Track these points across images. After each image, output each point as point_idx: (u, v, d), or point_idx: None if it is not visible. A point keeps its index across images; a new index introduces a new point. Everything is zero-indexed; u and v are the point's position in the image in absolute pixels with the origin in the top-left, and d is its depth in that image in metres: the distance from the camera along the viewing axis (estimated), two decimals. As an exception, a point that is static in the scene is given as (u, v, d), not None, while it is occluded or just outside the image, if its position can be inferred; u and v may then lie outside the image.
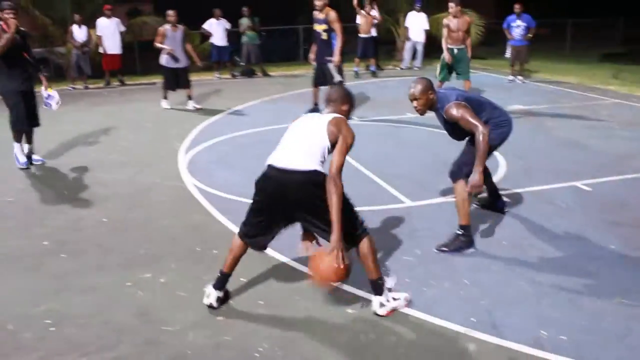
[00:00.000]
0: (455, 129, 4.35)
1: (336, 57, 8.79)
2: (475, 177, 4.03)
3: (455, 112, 4.14)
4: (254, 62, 14.76)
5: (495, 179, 5.89)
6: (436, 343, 3.21)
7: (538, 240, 4.53)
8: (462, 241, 4.35)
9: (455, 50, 9.48)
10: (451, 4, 9.45)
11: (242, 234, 3.66)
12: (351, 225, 3.37)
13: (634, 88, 12.02)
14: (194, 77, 14.75)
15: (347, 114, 3.66)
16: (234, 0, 15.03)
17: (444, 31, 9.53)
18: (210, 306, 3.60)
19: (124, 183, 6.14)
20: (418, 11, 14.72)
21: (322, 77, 9.08)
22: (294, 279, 3.98)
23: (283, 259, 4.27)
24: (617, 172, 6.22)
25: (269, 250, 4.36)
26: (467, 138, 4.51)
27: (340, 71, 8.94)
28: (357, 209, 3.52)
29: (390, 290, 3.52)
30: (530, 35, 12.47)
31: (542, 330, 3.28)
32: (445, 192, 5.50)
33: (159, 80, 14.43)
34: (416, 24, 14.78)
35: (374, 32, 14.34)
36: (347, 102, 3.67)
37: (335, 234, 3.20)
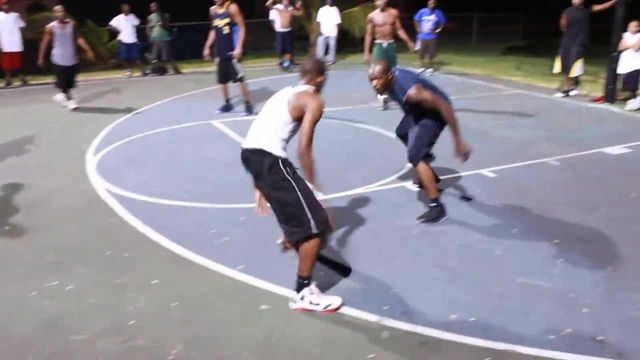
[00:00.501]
0: (415, 109, 4.74)
1: (238, 50, 8.77)
2: (461, 145, 4.69)
3: (418, 95, 4.54)
4: (165, 59, 14.42)
5: (404, 170, 6.08)
6: (350, 333, 3.27)
7: (446, 227, 4.70)
8: (437, 211, 4.84)
9: (385, 44, 9.19)
10: None
11: None
12: (296, 221, 3.33)
13: (535, 79, 12.67)
14: (104, 76, 14.34)
15: (321, 85, 3.70)
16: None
17: (368, 27, 9.24)
18: None
19: (28, 188, 5.83)
20: (330, 6, 14.86)
21: (226, 73, 9.04)
22: (207, 279, 3.93)
23: (195, 258, 4.20)
24: (519, 158, 6.55)
25: (180, 251, 4.31)
26: (417, 120, 4.84)
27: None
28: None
29: (312, 293, 3.49)
30: (438, 29, 12.93)
31: (452, 314, 3.41)
32: (354, 185, 5.61)
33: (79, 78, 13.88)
34: (328, 18, 14.91)
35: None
36: (321, 74, 3.67)
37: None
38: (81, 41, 9.83)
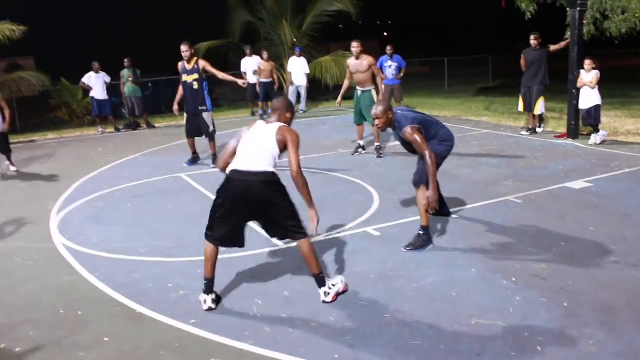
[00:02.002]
0: (410, 147, 5.15)
1: (243, 80, 9.24)
2: (430, 193, 4.82)
3: (410, 135, 4.93)
4: (138, 114, 14.51)
5: (369, 213, 6.10)
6: (300, 384, 3.21)
7: (404, 271, 4.68)
8: (424, 239, 5.10)
9: (359, 92, 9.16)
10: (353, 44, 9.02)
11: (211, 239, 4.16)
12: (296, 223, 4.14)
13: (503, 118, 12.91)
14: (77, 133, 14.38)
15: (290, 121, 4.32)
16: (114, 53, 14.82)
17: (347, 72, 9.28)
18: (210, 309, 4.09)
19: (-14, 249, 5.76)
20: (298, 56, 15.17)
21: (196, 128, 9.04)
22: (160, 334, 3.86)
23: (149, 313, 4.14)
24: (482, 198, 6.61)
25: (135, 307, 4.25)
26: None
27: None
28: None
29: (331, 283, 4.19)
30: (401, 74, 13.28)
31: None
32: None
33: (38, 138, 13.92)
34: (298, 68, 15.21)
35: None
36: (290, 111, 4.34)
37: (311, 210, 4.10)
38: (3, 104, 9.47)
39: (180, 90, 9.02)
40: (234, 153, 4.20)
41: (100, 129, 14.13)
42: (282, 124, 4.18)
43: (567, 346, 3.46)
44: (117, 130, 14.24)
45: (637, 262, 4.65)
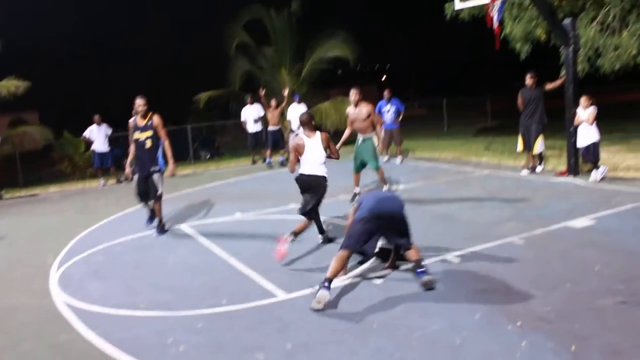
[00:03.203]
0: None
1: (172, 166, 8.24)
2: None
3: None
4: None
5: (370, 262, 6.04)
6: None
7: (407, 318, 4.60)
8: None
9: (360, 140, 9.12)
10: (351, 92, 8.98)
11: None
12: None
13: (503, 158, 12.92)
14: (80, 185, 14.45)
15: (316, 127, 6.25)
16: (116, 105, 15.03)
17: (348, 121, 9.19)
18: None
19: (-15, 308, 5.70)
20: (298, 103, 15.31)
21: (146, 191, 8.11)
22: None
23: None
24: (484, 240, 6.54)
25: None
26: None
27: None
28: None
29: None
30: (400, 118, 13.40)
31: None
32: (316, 282, 5.52)
33: (40, 191, 13.98)
34: (297, 115, 15.28)
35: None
36: (313, 119, 6.61)
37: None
38: None
39: (132, 149, 8.10)
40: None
41: (102, 181, 14.20)
42: (318, 132, 6.51)
43: (577, 393, 3.37)
44: (119, 181, 14.30)
45: (644, 302, 4.57)
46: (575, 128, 9.64)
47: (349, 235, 5.30)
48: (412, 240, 5.40)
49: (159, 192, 8.07)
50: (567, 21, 9.94)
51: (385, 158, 13.58)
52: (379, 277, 5.56)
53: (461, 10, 11.82)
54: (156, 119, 7.96)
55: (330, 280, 4.96)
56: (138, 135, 7.95)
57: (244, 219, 8.80)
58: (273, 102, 15.25)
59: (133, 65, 38.75)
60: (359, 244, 5.23)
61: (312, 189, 6.67)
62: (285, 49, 18.98)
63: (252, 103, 15.77)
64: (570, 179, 9.79)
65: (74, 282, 6.29)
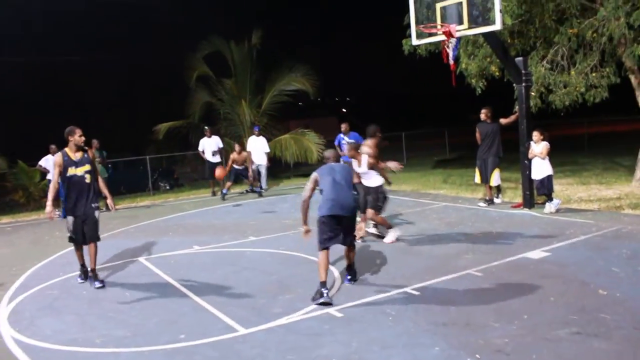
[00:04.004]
0: None
1: (111, 201, 7.52)
2: None
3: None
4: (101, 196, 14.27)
5: (332, 292, 6.04)
6: None
7: (368, 353, 4.57)
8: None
9: None
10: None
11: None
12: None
13: (461, 190, 13.16)
14: (34, 216, 14.06)
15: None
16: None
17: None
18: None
19: None
20: (257, 135, 15.33)
21: (84, 233, 7.21)
22: None
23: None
24: (442, 272, 6.61)
25: None
26: None
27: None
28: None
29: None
30: None
31: None
32: (276, 316, 5.52)
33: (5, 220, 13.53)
34: (257, 147, 15.30)
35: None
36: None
37: None
38: None
39: (53, 187, 7.18)
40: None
41: (57, 212, 13.78)
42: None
43: None
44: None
45: (597, 332, 4.67)
46: (530, 161, 9.92)
47: None
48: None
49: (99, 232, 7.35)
50: (519, 59, 10.31)
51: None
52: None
53: (418, 46, 12.10)
54: (90, 152, 7.31)
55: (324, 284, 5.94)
56: (73, 170, 7.02)
57: (202, 251, 8.69)
58: (237, 147, 15.02)
59: (91, 93, 38.19)
60: None
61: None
62: (245, 81, 19.10)
63: (210, 136, 15.68)
64: (526, 211, 10.01)
65: (25, 317, 6.07)
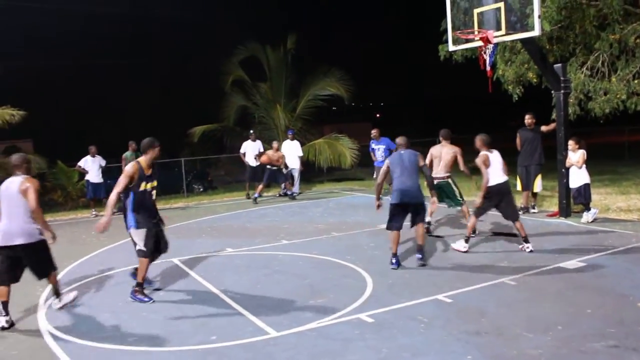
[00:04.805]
0: None
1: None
2: None
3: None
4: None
5: (362, 299, 6.02)
6: None
7: (399, 358, 4.56)
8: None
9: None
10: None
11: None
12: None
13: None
14: (71, 215, 14.37)
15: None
16: (111, 137, 15.05)
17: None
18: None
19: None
20: (291, 139, 15.39)
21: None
22: None
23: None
24: (476, 281, 6.53)
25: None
26: None
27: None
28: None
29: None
30: None
31: None
32: (307, 319, 5.54)
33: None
34: (291, 151, 15.38)
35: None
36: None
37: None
38: None
39: (116, 198, 6.54)
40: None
41: (93, 212, 14.13)
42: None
43: None
44: (113, 213, 14.17)
45: (636, 346, 4.56)
46: (567, 170, 9.74)
47: None
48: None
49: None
50: (557, 66, 10.14)
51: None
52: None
53: (454, 51, 12.01)
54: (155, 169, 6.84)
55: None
56: (144, 186, 6.60)
57: (235, 254, 8.77)
58: (275, 144, 15.14)
59: (129, 97, 38.92)
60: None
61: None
62: (280, 86, 19.22)
63: (254, 140, 15.80)
64: (562, 220, 9.84)
65: (62, 314, 6.22)
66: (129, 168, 6.53)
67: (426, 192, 7.84)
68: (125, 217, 6.76)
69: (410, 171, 7.37)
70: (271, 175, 15.06)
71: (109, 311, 6.25)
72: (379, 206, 7.64)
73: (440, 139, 9.41)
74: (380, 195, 7.76)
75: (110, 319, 5.98)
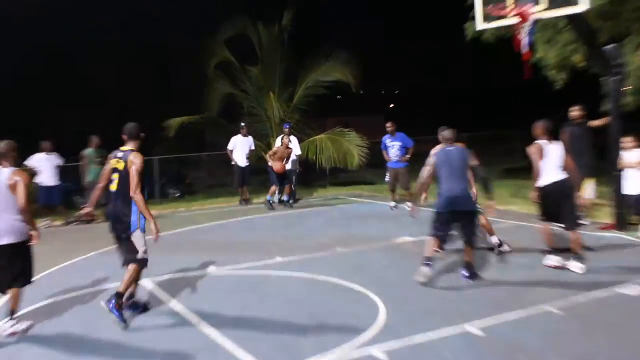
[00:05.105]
0: None
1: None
2: None
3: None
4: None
5: (374, 330, 5.93)
6: None
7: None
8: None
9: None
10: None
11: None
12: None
13: (534, 207, 12.85)
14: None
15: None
16: (69, 132, 14.96)
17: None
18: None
19: None
20: (288, 134, 15.31)
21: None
22: None
23: None
24: (513, 307, 6.46)
25: None
26: None
27: None
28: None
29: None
30: (408, 156, 13.30)
31: None
32: (306, 355, 5.45)
33: None
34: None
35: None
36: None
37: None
38: None
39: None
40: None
41: (45, 222, 13.99)
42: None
43: None
44: (67, 223, 14.14)
45: None
46: (620, 173, 9.67)
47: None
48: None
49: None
50: (609, 47, 10.06)
51: (393, 204, 13.54)
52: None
53: (484, 31, 11.94)
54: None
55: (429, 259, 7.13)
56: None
57: (220, 274, 8.68)
58: (285, 139, 15.03)
59: (91, 83, 38.72)
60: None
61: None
62: (275, 70, 19.20)
63: (246, 135, 15.75)
64: (617, 234, 9.80)
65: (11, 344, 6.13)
66: (141, 162, 6.63)
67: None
68: (116, 219, 6.93)
69: (459, 173, 7.40)
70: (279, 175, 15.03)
71: (56, 349, 6.05)
72: (412, 210, 7.87)
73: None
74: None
75: (64, 353, 5.88)
